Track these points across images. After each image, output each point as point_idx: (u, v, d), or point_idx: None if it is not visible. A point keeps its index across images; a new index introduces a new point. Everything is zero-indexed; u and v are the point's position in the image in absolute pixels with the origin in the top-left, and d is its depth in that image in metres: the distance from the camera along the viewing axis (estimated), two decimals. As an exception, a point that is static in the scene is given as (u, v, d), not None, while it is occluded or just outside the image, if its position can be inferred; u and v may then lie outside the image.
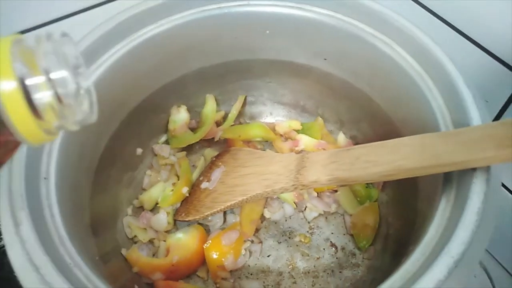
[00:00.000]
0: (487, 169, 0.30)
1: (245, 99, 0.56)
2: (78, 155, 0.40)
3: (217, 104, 0.55)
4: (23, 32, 0.45)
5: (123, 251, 0.44)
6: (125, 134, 0.47)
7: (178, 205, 0.49)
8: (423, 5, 0.49)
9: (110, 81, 0.42)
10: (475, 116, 0.34)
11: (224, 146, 0.54)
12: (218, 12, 0.46)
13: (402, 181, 0.43)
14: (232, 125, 0.55)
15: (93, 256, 0.36)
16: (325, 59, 0.49)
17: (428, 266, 0.27)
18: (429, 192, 0.37)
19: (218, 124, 0.55)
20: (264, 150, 0.54)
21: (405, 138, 0.34)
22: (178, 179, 0.50)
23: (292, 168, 0.40)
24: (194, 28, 0.46)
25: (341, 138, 0.52)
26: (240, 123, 0.57)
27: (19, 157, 0.33)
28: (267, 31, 0.48)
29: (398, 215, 0.45)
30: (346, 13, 0.44)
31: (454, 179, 0.33)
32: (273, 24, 0.47)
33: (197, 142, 0.54)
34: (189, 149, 0.54)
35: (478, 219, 0.28)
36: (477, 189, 0.30)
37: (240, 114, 0.57)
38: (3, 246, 0.29)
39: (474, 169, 0.31)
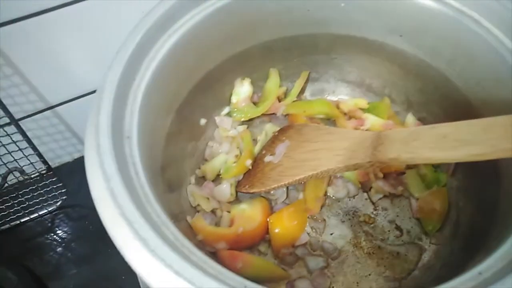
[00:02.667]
0: None
1: (308, 75, 0.55)
2: (154, 117, 0.40)
3: (280, 79, 0.54)
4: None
5: (188, 219, 0.44)
6: (192, 103, 0.47)
7: (240, 177, 0.49)
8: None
9: (181, 49, 0.42)
10: None
11: (286, 122, 0.53)
12: (293, -18, 0.45)
13: (478, 166, 0.42)
14: (294, 101, 0.54)
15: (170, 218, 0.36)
16: (401, 36, 0.47)
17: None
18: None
19: (279, 99, 0.54)
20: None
21: (497, 117, 0.32)
22: (240, 152, 0.50)
23: (368, 145, 0.38)
24: (265, -3, 0.45)
25: (410, 119, 0.51)
26: (301, 100, 0.56)
27: (104, 116, 0.33)
28: (342, 4, 0.46)
29: (472, 201, 0.44)
30: (431, -15, 0.42)
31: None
32: (350, -4, 0.45)
33: (259, 116, 0.54)
34: (250, 123, 0.54)
35: None
36: None
37: (302, 90, 0.56)
38: None
39: None
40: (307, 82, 0.56)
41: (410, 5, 0.43)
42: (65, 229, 0.60)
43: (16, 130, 0.52)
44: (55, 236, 0.60)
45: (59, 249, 0.58)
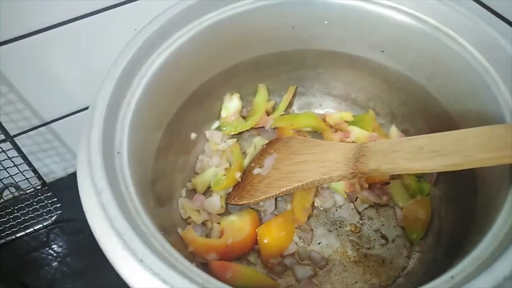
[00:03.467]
0: None
1: (295, 89, 0.57)
2: (145, 133, 0.41)
3: (268, 94, 0.56)
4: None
5: (179, 231, 0.45)
6: (182, 118, 0.49)
7: (230, 189, 0.50)
8: (485, 4, 0.48)
9: (171, 66, 0.44)
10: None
11: (274, 135, 0.55)
12: (278, 1, 0.47)
13: (458, 176, 0.44)
14: (282, 115, 0.56)
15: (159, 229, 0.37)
16: (382, 52, 0.49)
17: (500, 254, 0.27)
18: (491, 187, 0.37)
19: (268, 113, 0.56)
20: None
21: (471, 129, 0.34)
22: (230, 165, 0.51)
23: (351, 156, 0.40)
24: (253, 16, 0.47)
25: (394, 131, 0.52)
26: (289, 114, 0.58)
27: (96, 132, 0.35)
28: (326, 22, 0.48)
29: (453, 210, 0.45)
30: (410, 5, 0.44)
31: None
32: (333, 15, 0.48)
33: (248, 130, 0.55)
34: (240, 136, 0.55)
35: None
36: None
37: (290, 104, 0.57)
38: None
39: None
40: (294, 96, 0.57)
41: (391, 23, 0.46)
42: (60, 244, 0.61)
43: (11, 147, 0.53)
44: (50, 251, 0.60)
45: (54, 263, 0.59)
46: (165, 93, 0.45)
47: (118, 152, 0.36)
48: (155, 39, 0.42)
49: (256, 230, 0.45)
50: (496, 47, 0.39)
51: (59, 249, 0.60)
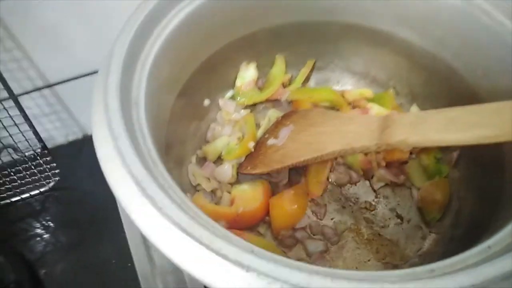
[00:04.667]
0: None
1: (314, 64, 0.55)
2: (161, 90, 0.39)
3: (286, 66, 0.54)
4: None
5: (188, 196, 0.43)
6: (196, 82, 0.47)
7: (242, 159, 0.48)
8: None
9: (189, 27, 0.42)
10: None
11: (289, 108, 0.53)
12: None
13: (482, 155, 0.43)
14: (298, 88, 0.54)
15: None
16: (409, 26, 0.47)
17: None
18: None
19: (284, 86, 0.54)
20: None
21: (507, 101, 0.33)
22: (242, 135, 0.49)
23: (374, 128, 0.38)
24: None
25: (414, 110, 0.51)
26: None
27: (114, 78, 0.33)
28: (351, -10, 0.47)
29: (474, 191, 0.44)
30: (442, -24, 0.42)
31: None
32: (359, -16, 0.46)
33: (262, 102, 0.53)
34: (253, 108, 0.53)
35: None
36: None
37: (307, 79, 0.55)
38: None
39: None
40: (312, 70, 0.55)
41: (420, -5, 0.44)
42: (55, 213, 0.59)
43: (13, 105, 0.51)
44: (43, 221, 0.58)
45: (46, 235, 0.57)
46: (179, 56, 0.43)
47: (136, 103, 0.34)
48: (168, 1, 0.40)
49: (268, 201, 0.44)
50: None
51: (53, 218, 0.59)
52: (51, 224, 0.58)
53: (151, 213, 0.26)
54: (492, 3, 0.40)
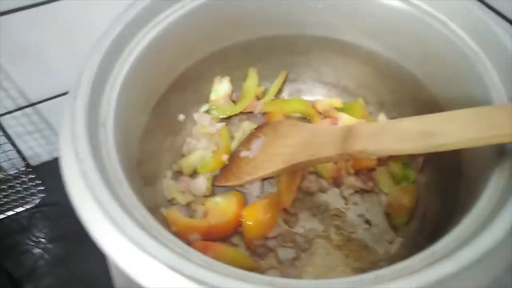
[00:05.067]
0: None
1: (286, 75, 0.57)
2: (132, 110, 0.41)
3: (259, 79, 0.56)
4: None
5: (162, 210, 0.45)
6: (170, 98, 0.48)
7: (217, 172, 0.50)
8: None
9: (160, 45, 0.43)
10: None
11: (264, 120, 0.55)
12: (272, -18, 0.47)
13: (443, 162, 0.45)
14: (272, 100, 0.56)
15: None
16: (374, 37, 0.49)
17: (483, 228, 0.28)
18: (475, 171, 0.38)
19: (258, 98, 0.56)
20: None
21: (459, 110, 0.34)
22: (217, 148, 0.51)
23: (338, 138, 0.40)
24: (246, -2, 0.47)
25: (382, 119, 0.52)
26: (279, 99, 0.57)
27: (81, 102, 0.34)
28: (319, 5, 0.48)
29: (437, 196, 0.45)
30: (401, -11, 0.44)
31: (508, 152, 0.33)
32: (326, -2, 0.47)
33: (237, 114, 0.55)
34: (229, 120, 0.55)
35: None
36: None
37: (280, 90, 0.57)
38: None
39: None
40: (285, 82, 0.57)
41: (382, 7, 0.46)
42: (43, 229, 0.60)
43: (-5, 126, 0.52)
44: (32, 236, 0.59)
45: (36, 249, 0.57)
46: (153, 70, 0.44)
47: (103, 125, 0.35)
48: (145, 15, 0.42)
49: (241, 212, 0.45)
50: (487, 31, 0.39)
51: (41, 234, 0.59)
52: (39, 240, 0.59)
53: (112, 233, 0.27)
54: (449, 15, 0.42)
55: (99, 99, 0.36)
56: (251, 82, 0.55)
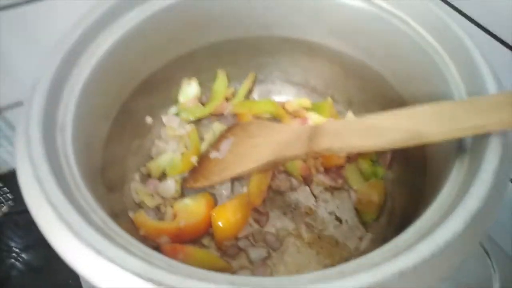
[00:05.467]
0: (503, 134, 0.31)
1: (255, 77, 0.57)
2: (93, 114, 0.40)
3: (228, 80, 0.56)
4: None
5: (130, 214, 0.44)
6: (137, 101, 0.48)
7: (186, 174, 0.49)
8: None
9: (124, 48, 0.43)
10: (492, 89, 0.34)
11: (234, 121, 0.55)
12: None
13: (410, 158, 0.45)
14: (241, 101, 0.56)
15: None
16: (339, 38, 0.49)
17: (443, 220, 0.28)
18: (438, 165, 0.38)
19: (227, 100, 0.56)
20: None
21: (419, 106, 0.35)
22: (186, 150, 0.51)
23: (304, 137, 0.40)
24: (211, 0, 0.47)
25: (350, 117, 0.53)
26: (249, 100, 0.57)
27: (37, 106, 0.33)
28: (283, 7, 0.49)
29: (404, 191, 0.46)
30: (363, -11, 0.45)
31: (467, 147, 0.33)
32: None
33: (207, 116, 0.55)
34: (198, 122, 0.55)
35: (494, 178, 0.29)
36: (492, 151, 0.30)
37: (249, 92, 0.57)
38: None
39: (489, 135, 0.31)
40: (254, 83, 0.57)
41: (345, 7, 0.46)
42: (14, 238, 0.58)
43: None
44: (3, 246, 0.57)
45: (8, 259, 0.56)
46: (117, 74, 0.43)
47: (61, 130, 0.35)
48: (107, 18, 0.41)
49: (211, 213, 0.45)
50: (447, 29, 0.39)
51: (13, 243, 0.58)
52: (10, 249, 0.57)
53: (67, 237, 0.27)
54: (410, 14, 0.43)
55: (56, 104, 0.36)
56: (220, 84, 0.55)
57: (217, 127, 0.54)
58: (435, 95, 0.41)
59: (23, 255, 0.56)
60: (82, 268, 0.26)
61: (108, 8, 0.41)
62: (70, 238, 0.27)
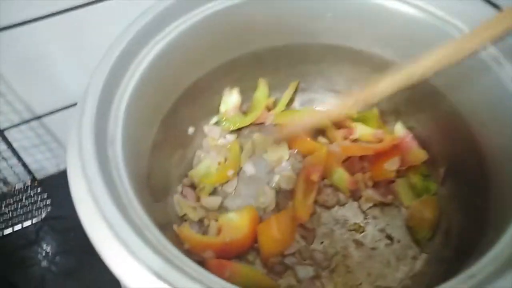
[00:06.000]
0: None
1: (297, 85, 0.55)
2: (140, 124, 0.39)
3: (269, 89, 0.54)
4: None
5: (175, 227, 0.43)
6: (179, 111, 0.47)
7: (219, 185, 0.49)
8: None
9: (168, 57, 0.42)
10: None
11: (274, 131, 0.53)
12: (281, -9, 0.45)
13: (468, 174, 0.43)
14: (283, 111, 0.54)
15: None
16: (387, 46, 0.47)
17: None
18: (506, 185, 0.36)
19: (269, 109, 0.54)
20: (315, 138, 0.53)
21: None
22: (224, 160, 0.50)
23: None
24: (255, 7, 0.46)
25: (399, 128, 0.50)
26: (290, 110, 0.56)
27: (88, 118, 0.33)
28: (329, 14, 0.47)
29: (462, 209, 0.43)
30: (418, -4, 0.43)
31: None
32: (337, 7, 0.46)
33: (247, 126, 0.53)
34: (239, 132, 0.53)
35: None
36: None
37: (291, 100, 0.56)
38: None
39: None
40: (296, 92, 0.56)
41: (396, 15, 0.44)
42: (50, 242, 0.59)
43: (0, 140, 0.51)
44: (39, 249, 0.58)
45: (43, 262, 0.57)
46: (161, 83, 0.43)
47: (112, 142, 0.34)
48: (152, 28, 0.40)
49: (256, 228, 0.43)
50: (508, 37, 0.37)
51: (49, 247, 0.58)
52: (47, 254, 0.58)
53: (124, 257, 0.26)
54: (466, 21, 0.40)
55: (106, 113, 0.35)
56: (261, 93, 0.53)
57: (258, 137, 0.52)
58: (491, 102, 0.39)
59: (58, 259, 0.57)
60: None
61: (154, 17, 0.40)
62: (127, 259, 0.26)
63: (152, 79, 0.40)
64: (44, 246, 0.58)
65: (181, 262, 0.27)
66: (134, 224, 0.28)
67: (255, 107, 0.53)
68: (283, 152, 0.51)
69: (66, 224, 0.59)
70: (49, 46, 0.49)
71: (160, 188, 0.44)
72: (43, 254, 0.57)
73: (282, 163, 0.50)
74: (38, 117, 0.57)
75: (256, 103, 0.53)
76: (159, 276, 0.25)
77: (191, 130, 0.51)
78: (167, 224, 0.43)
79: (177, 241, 0.42)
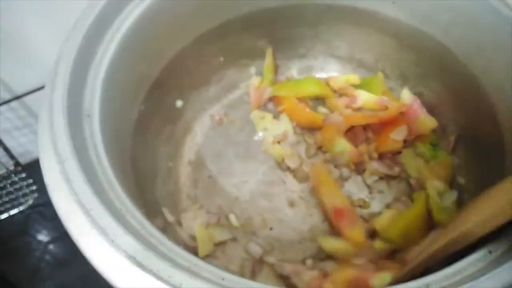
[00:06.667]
0: None
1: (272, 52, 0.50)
2: (121, 96, 0.36)
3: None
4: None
5: (165, 210, 0.40)
6: (165, 83, 0.43)
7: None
8: None
9: (149, 22, 0.38)
10: None
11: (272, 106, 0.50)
12: None
13: (480, 141, 0.40)
14: (280, 82, 0.50)
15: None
16: (393, 3, 0.43)
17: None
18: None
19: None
20: (315, 108, 0.49)
21: None
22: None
23: None
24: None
25: (406, 94, 0.46)
26: (288, 79, 0.52)
27: (60, 91, 0.29)
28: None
29: (475, 178, 0.40)
30: None
31: None
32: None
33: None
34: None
35: None
36: None
37: (287, 68, 0.52)
38: None
39: None
40: (292, 58, 0.51)
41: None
42: (41, 230, 0.56)
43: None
44: (30, 238, 0.56)
45: (36, 252, 0.55)
46: (142, 53, 0.39)
47: (88, 115, 0.30)
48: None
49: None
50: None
51: (40, 235, 0.56)
52: (38, 243, 0.56)
53: (102, 246, 0.23)
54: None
55: (81, 86, 0.31)
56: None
57: (256, 115, 0.49)
58: (509, 63, 0.35)
59: (51, 247, 0.55)
60: (122, 283, 0.22)
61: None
62: (106, 248, 0.22)
63: (133, 47, 0.37)
64: (35, 234, 0.56)
65: (168, 250, 0.24)
66: (115, 209, 0.25)
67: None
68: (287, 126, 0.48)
69: (54, 210, 0.57)
70: (27, 21, 0.45)
71: (146, 168, 0.41)
72: (35, 242, 0.56)
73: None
74: (18, 97, 0.53)
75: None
76: (141, 265, 0.21)
77: (179, 103, 0.47)
78: (156, 205, 0.40)
79: (168, 226, 0.39)
